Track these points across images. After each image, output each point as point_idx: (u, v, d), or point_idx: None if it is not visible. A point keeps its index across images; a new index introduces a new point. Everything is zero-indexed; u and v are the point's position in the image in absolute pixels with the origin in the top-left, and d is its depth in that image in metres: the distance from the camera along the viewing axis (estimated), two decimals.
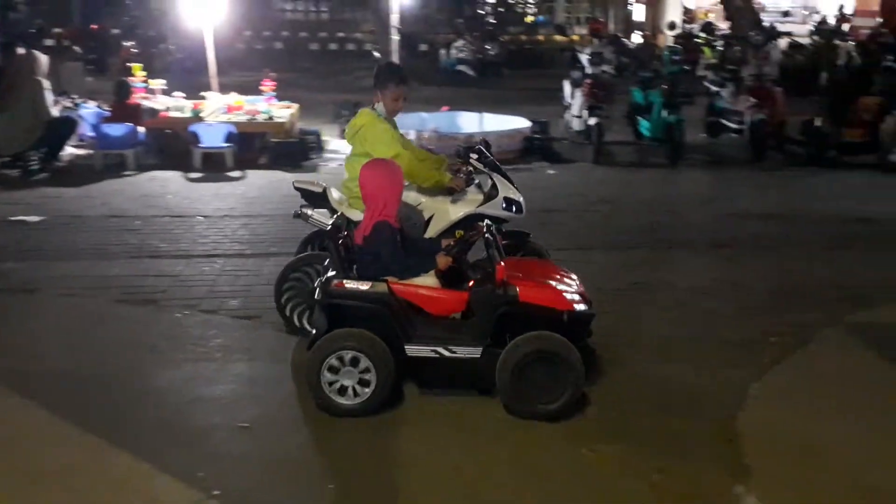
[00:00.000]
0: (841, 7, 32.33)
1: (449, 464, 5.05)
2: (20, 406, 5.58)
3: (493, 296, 5.49)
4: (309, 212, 6.74)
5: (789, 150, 14.02)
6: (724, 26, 26.47)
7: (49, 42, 19.95)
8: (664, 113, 13.49)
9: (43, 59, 12.18)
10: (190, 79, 15.21)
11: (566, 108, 15.17)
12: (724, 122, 14.61)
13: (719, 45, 24.26)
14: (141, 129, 12.44)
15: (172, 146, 12.51)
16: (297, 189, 7.06)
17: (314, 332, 5.56)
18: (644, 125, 13.99)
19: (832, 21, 29.94)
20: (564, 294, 5.68)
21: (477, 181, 7.02)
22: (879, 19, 28.47)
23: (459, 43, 24.21)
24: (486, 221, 5.80)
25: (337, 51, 26.54)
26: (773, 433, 5.45)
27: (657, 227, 10.04)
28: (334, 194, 6.85)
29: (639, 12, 31.66)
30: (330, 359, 5.31)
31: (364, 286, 5.44)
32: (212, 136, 12.31)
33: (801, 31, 29.00)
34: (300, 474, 4.90)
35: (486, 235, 5.61)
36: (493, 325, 5.50)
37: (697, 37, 26.19)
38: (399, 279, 5.52)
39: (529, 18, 32.16)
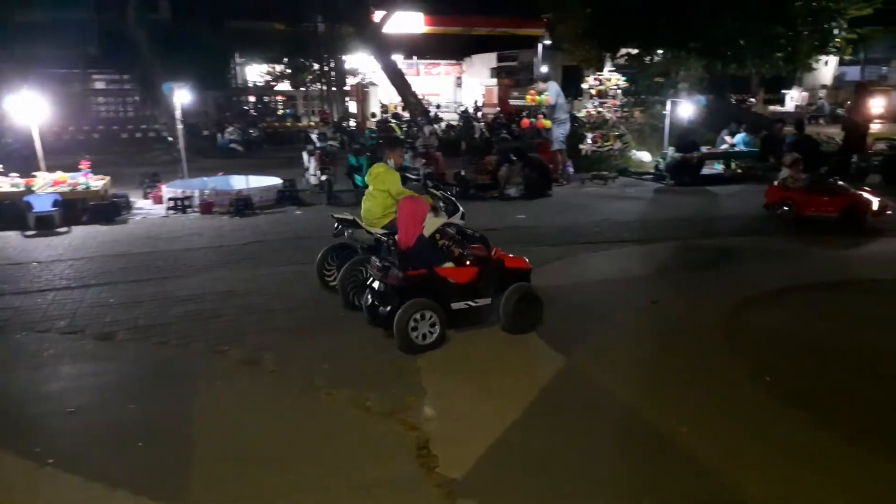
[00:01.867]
0: (476, 101, 34.33)
1: (226, 415, 4.87)
2: None
3: (493, 266, 6.30)
4: (347, 232, 7.08)
5: (447, 190, 14.60)
6: (406, 115, 27.21)
7: None
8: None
9: None
10: (24, 163, 13.47)
11: (306, 170, 14.96)
12: (408, 174, 14.80)
13: (404, 126, 24.91)
14: None
15: (10, 213, 11.02)
16: (335, 218, 7.23)
17: (385, 305, 5.95)
18: (358, 179, 14.04)
19: (471, 109, 31.64)
20: (523, 258, 6.58)
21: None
22: (498, 108, 30.55)
23: (230, 128, 23.24)
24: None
25: (141, 138, 24.62)
26: (441, 365, 5.67)
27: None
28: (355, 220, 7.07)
29: (353, 106, 31.91)
30: (413, 317, 5.74)
31: (422, 273, 5.95)
32: (42, 203, 10.99)
33: (453, 116, 30.42)
34: (115, 441, 4.51)
35: (479, 236, 6.72)
36: (495, 283, 6.20)
37: (390, 121, 26.72)
38: (435, 267, 6.04)
39: (280, 111, 31.42)
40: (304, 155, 15.18)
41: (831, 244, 9.68)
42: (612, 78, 17.97)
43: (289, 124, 28.66)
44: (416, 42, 34.16)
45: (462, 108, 32.24)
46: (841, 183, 11.39)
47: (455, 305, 6.06)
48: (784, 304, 7.23)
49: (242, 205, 12.20)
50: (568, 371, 5.51)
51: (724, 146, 16.72)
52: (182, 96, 14.47)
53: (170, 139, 18.61)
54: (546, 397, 5.05)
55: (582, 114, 18.52)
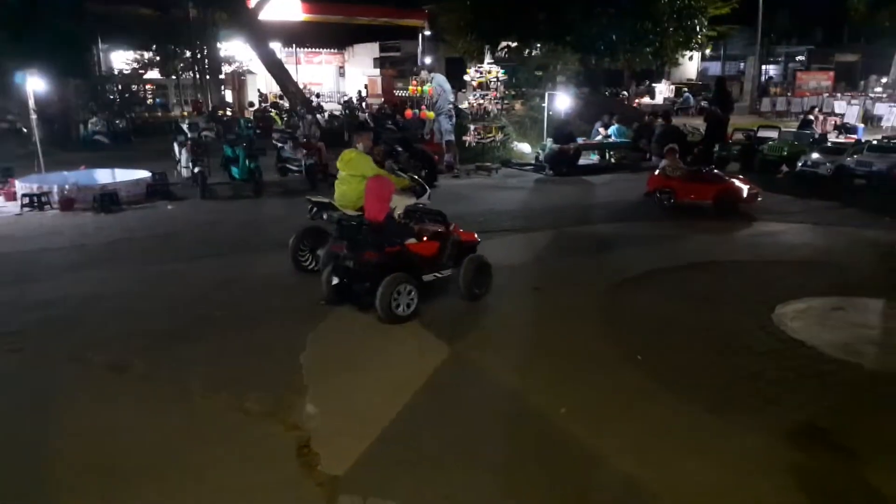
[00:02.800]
0: (359, 91, 34.01)
1: (90, 426, 4.55)
2: None
3: (453, 241, 6.95)
4: (324, 214, 7.36)
5: (332, 181, 14.32)
6: (286, 104, 26.52)
7: None
8: (248, 162, 13.20)
9: None
10: None
11: (177, 162, 14.26)
12: (289, 166, 14.58)
13: (284, 116, 24.25)
14: None
15: None
16: (311, 202, 7.60)
17: (363, 282, 6.31)
18: (235, 171, 13.55)
19: (355, 99, 31.28)
20: (473, 233, 7.36)
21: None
22: (382, 99, 30.41)
23: (94, 119, 21.70)
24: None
25: None
26: (324, 361, 5.60)
27: (247, 238, 9.81)
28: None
29: (229, 95, 30.73)
30: (395, 290, 6.14)
31: (398, 249, 6.43)
32: None
33: (336, 106, 30.00)
34: None
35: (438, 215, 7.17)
36: (454, 255, 6.88)
37: (269, 111, 25.95)
38: (401, 244, 6.49)
39: (150, 100, 29.74)
40: (175, 146, 14.48)
41: (703, 229, 10.35)
42: (492, 70, 18.31)
43: (159, 114, 27.22)
44: (295, 30, 33.32)
45: (345, 98, 31.82)
46: (716, 172, 12.20)
47: (426, 278, 6.63)
48: (655, 285, 7.64)
49: (107, 200, 11.46)
50: (453, 360, 5.57)
51: (599, 137, 17.48)
52: (36, 84, 13.38)
53: (25, 131, 17.20)
54: (431, 387, 5.08)
55: (464, 105, 18.77)
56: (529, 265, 8.52)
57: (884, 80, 34.89)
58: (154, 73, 30.16)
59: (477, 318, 6.51)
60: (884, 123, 25.34)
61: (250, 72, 31.32)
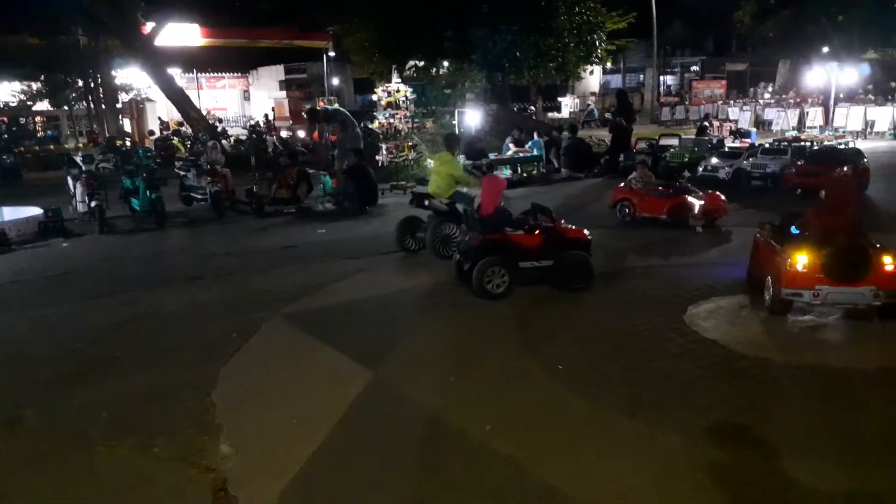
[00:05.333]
0: (266, 115, 33.38)
1: None
2: None
3: (556, 235, 7.66)
4: (427, 202, 9.03)
5: (240, 208, 14.03)
6: (189, 131, 25.72)
7: None
8: (148, 192, 12.64)
9: None
10: None
11: (73, 197, 13.52)
12: (193, 194, 14.14)
13: (187, 143, 23.49)
14: None
15: None
16: (413, 193, 9.58)
17: (467, 262, 7.56)
18: (135, 202, 12.96)
19: (262, 123, 30.65)
20: (583, 230, 7.95)
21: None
22: (290, 121, 29.99)
23: None
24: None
25: None
26: (238, 398, 5.37)
27: (150, 273, 9.34)
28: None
29: (127, 125, 29.57)
30: (488, 270, 7.25)
31: (497, 236, 7.50)
32: None
33: (242, 131, 29.35)
34: None
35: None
36: (556, 249, 7.55)
37: (171, 139, 25.07)
38: (507, 232, 7.59)
39: (40, 133, 28.20)
40: (69, 180, 13.73)
41: (615, 237, 10.60)
42: (400, 89, 18.37)
43: (52, 147, 25.80)
44: (195, 55, 32.49)
45: (252, 122, 31.16)
46: (680, 185, 11.96)
47: (522, 264, 7.47)
48: (573, 295, 7.71)
49: None
50: (374, 385, 5.44)
51: (510, 152, 17.77)
52: None
53: None
54: (353, 417, 4.94)
55: (375, 125, 18.73)
56: (448, 282, 8.46)
57: (770, 87, 37.28)
58: (44, 105, 28.65)
59: (396, 340, 6.41)
60: (774, 127, 27.00)
61: (149, 99, 30.28)
